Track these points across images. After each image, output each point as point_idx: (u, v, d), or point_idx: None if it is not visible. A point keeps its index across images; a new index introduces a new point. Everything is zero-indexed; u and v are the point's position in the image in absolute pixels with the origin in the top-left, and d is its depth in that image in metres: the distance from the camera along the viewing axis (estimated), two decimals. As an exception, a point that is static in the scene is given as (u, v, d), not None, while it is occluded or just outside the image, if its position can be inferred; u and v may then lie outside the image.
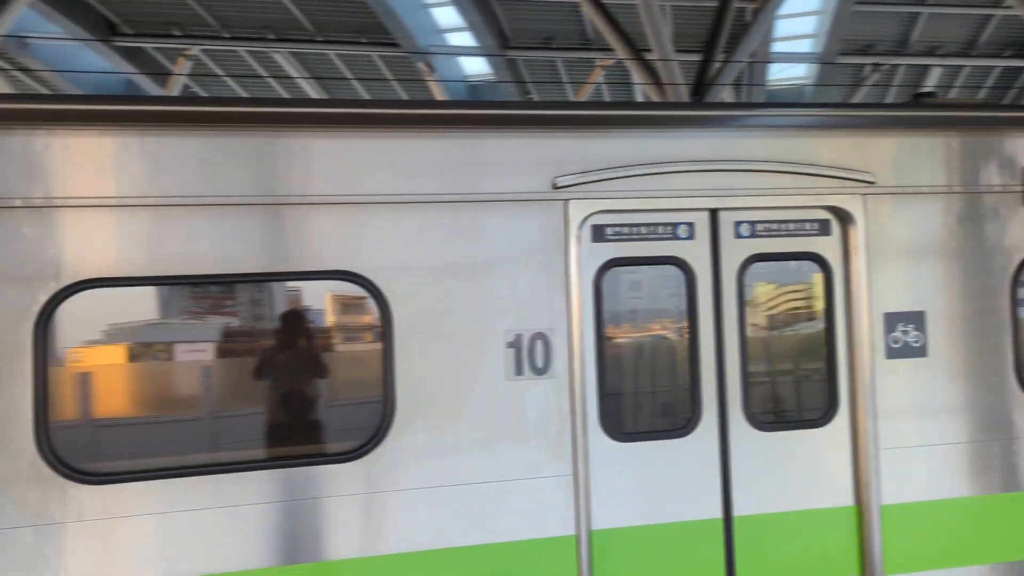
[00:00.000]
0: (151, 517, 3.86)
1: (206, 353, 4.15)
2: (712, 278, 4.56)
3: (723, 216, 4.59)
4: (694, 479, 4.46)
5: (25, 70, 17.43)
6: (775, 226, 4.65)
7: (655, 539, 4.39)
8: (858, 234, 4.61)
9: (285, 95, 20.14)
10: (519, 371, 4.28)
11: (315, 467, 4.02)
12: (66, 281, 3.81)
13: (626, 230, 4.50)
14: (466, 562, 4.15)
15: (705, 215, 4.57)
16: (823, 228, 4.68)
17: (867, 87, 19.65)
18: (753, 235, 4.64)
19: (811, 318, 4.79)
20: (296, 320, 4.23)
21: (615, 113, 4.61)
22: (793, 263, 4.78)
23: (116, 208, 3.91)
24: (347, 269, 4.10)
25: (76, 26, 16.07)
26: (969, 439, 4.66)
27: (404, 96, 19.83)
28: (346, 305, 4.27)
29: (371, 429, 4.10)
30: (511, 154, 4.31)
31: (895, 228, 4.67)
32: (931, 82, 19.94)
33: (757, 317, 4.75)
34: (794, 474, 4.56)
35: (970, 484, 4.65)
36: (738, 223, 4.62)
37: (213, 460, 4.01)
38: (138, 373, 4.18)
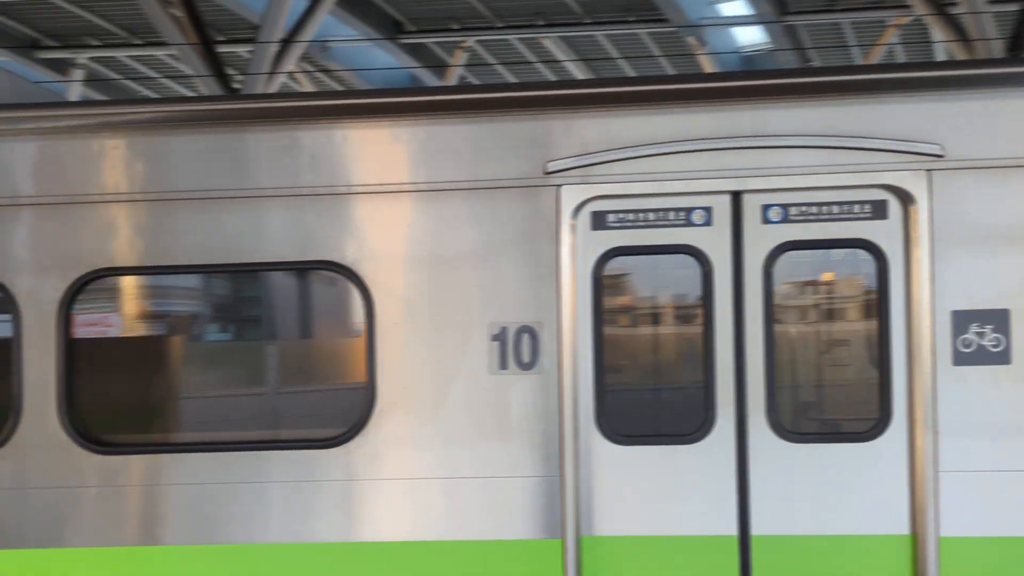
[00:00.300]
0: (182, 486, 4.07)
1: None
2: (733, 268, 3.97)
3: (748, 199, 3.98)
4: (706, 490, 3.94)
5: (326, 71, 19.28)
6: (815, 209, 3.95)
7: (657, 552, 3.95)
8: (920, 217, 3.80)
9: (553, 79, 20.47)
10: (503, 365, 4.00)
11: (303, 451, 4.07)
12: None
13: (631, 216, 4.04)
14: (440, 557, 3.98)
15: (726, 198, 3.98)
16: (877, 211, 3.90)
17: None
18: (786, 220, 3.97)
19: (861, 315, 4.10)
20: None
21: (607, 91, 4.25)
22: (839, 251, 4.07)
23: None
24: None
25: (368, 27, 17.44)
26: None
27: (671, 72, 19.34)
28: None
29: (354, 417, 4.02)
30: (497, 139, 4.05)
31: (970, 209, 3.82)
32: None
33: (789, 312, 4.14)
34: (832, 492, 3.87)
35: None
36: (767, 207, 3.97)
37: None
38: None
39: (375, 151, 4.17)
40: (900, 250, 3.85)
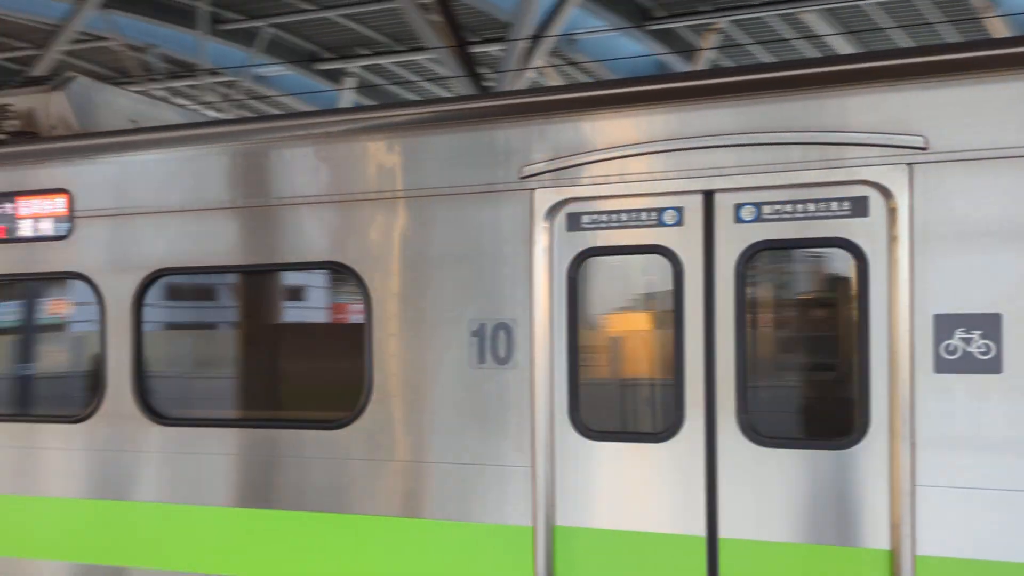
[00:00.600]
0: (219, 455, 4.72)
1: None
2: (704, 269, 3.94)
3: (720, 199, 3.92)
4: (673, 489, 3.97)
5: (572, 63, 19.33)
6: (789, 208, 3.82)
7: (626, 546, 4.03)
8: (900, 214, 3.60)
9: (817, 55, 18.96)
10: (482, 360, 4.23)
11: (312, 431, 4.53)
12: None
13: (604, 218, 4.11)
14: (422, 534, 4.28)
15: (698, 198, 3.95)
16: (857, 208, 3.72)
17: None
18: (759, 219, 3.88)
19: (840, 318, 3.99)
20: None
21: (579, 95, 4.36)
22: (817, 251, 3.99)
23: None
24: None
25: (616, 16, 17.20)
26: None
27: (952, 40, 17.12)
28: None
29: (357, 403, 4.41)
30: (478, 147, 4.26)
31: (957, 204, 3.55)
32: None
33: (763, 313, 4.09)
34: (805, 500, 3.79)
35: None
36: (739, 206, 3.89)
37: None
38: None
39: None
40: (881, 249, 3.65)
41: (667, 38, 18.78)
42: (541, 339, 4.14)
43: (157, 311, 5.14)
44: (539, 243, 4.16)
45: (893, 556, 3.62)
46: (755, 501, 3.86)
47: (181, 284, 5.26)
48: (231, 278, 5.13)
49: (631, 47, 18.85)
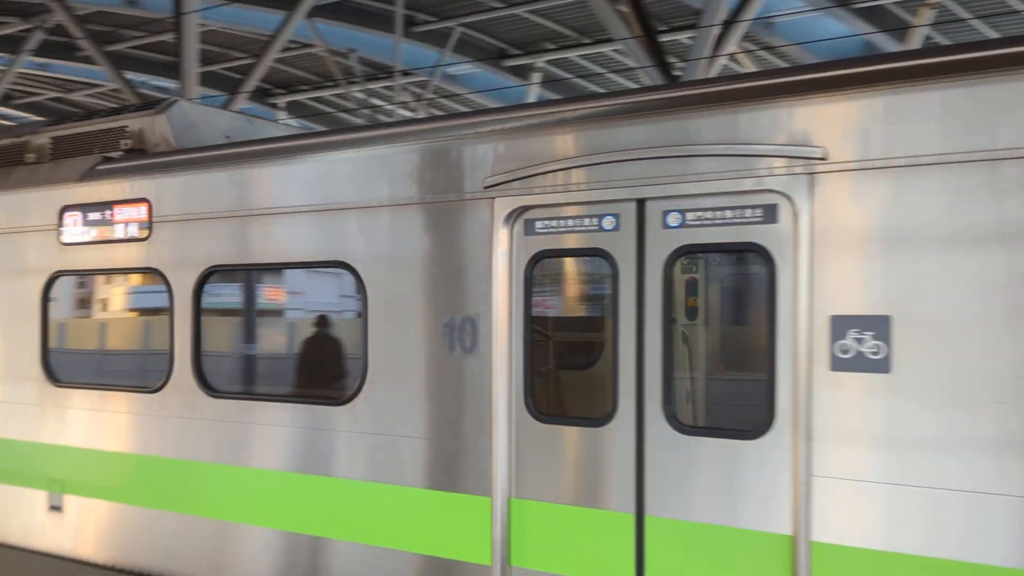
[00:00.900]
0: (269, 426, 5.53)
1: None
2: (636, 270, 4.31)
3: (650, 206, 4.27)
4: (608, 472, 4.37)
5: (769, 48, 18.31)
6: (709, 214, 4.10)
7: (569, 520, 4.45)
8: (802, 220, 3.82)
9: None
10: (452, 349, 4.75)
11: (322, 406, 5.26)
12: None
13: (554, 223, 4.53)
14: (401, 499, 4.93)
15: (632, 205, 4.31)
16: (768, 215, 3.94)
17: None
18: (683, 225, 4.19)
19: (753, 318, 4.33)
20: None
21: (532, 113, 4.77)
22: (738, 254, 4.37)
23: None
24: None
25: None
26: (934, 485, 3.51)
27: None
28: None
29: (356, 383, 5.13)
30: (451, 161, 4.78)
31: (852, 212, 3.71)
32: None
33: (686, 312, 4.52)
34: (719, 485, 4.07)
35: (923, 542, 3.54)
36: (666, 212, 4.23)
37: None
38: None
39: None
40: (787, 253, 3.87)
41: (875, 16, 17.35)
42: (501, 331, 4.64)
43: (210, 300, 6.03)
44: (499, 245, 4.65)
45: (793, 541, 3.87)
46: (677, 484, 4.20)
47: (229, 278, 6.18)
48: (265, 273, 6.02)
49: (834, 28, 17.60)
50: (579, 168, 4.42)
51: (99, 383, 6.57)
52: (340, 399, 5.23)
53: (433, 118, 5.60)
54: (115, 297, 6.98)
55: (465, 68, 21.35)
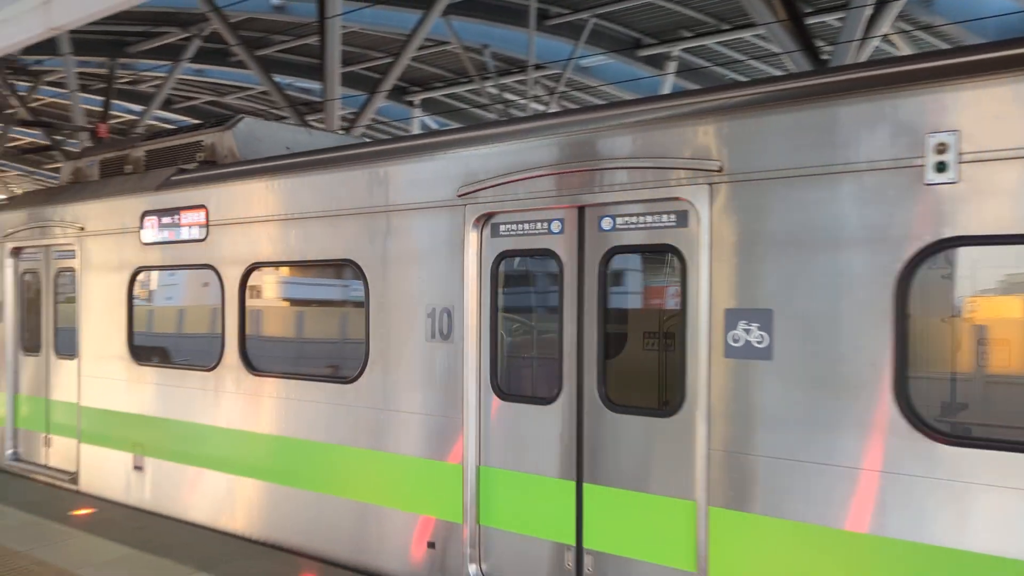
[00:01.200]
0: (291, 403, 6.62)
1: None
2: (577, 268, 4.94)
3: (589, 212, 4.89)
4: (555, 445, 5.06)
5: (927, 28, 17.01)
6: (634, 219, 4.72)
7: (528, 485, 5.19)
8: (702, 225, 4.39)
9: None
10: (432, 335, 5.63)
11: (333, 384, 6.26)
12: None
13: (514, 227, 5.27)
14: (389, 465, 5.88)
15: (575, 211, 4.95)
16: (681, 220, 4.55)
17: None
18: (614, 229, 4.80)
19: (670, 310, 4.91)
20: None
21: (490, 132, 5.52)
22: (661, 254, 4.81)
23: None
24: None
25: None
26: (809, 459, 4.04)
27: None
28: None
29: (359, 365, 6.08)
30: (435, 174, 5.61)
31: (742, 218, 4.26)
32: None
33: (617, 305, 5.05)
34: (642, 458, 4.68)
35: (801, 510, 4.05)
36: (601, 218, 4.84)
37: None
38: None
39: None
40: (695, 254, 4.45)
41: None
42: (471, 321, 5.43)
43: (251, 293, 7.00)
44: (470, 246, 5.43)
45: (697, 507, 4.44)
46: (609, 456, 4.87)
47: (267, 273, 7.03)
48: (292, 269, 6.85)
49: (1002, 4, 16.11)
50: (533, 179, 5.11)
51: (170, 362, 7.76)
52: (349, 378, 6.18)
53: (417, 135, 6.33)
54: (183, 289, 7.99)
55: (599, 60, 21.04)
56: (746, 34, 18.39)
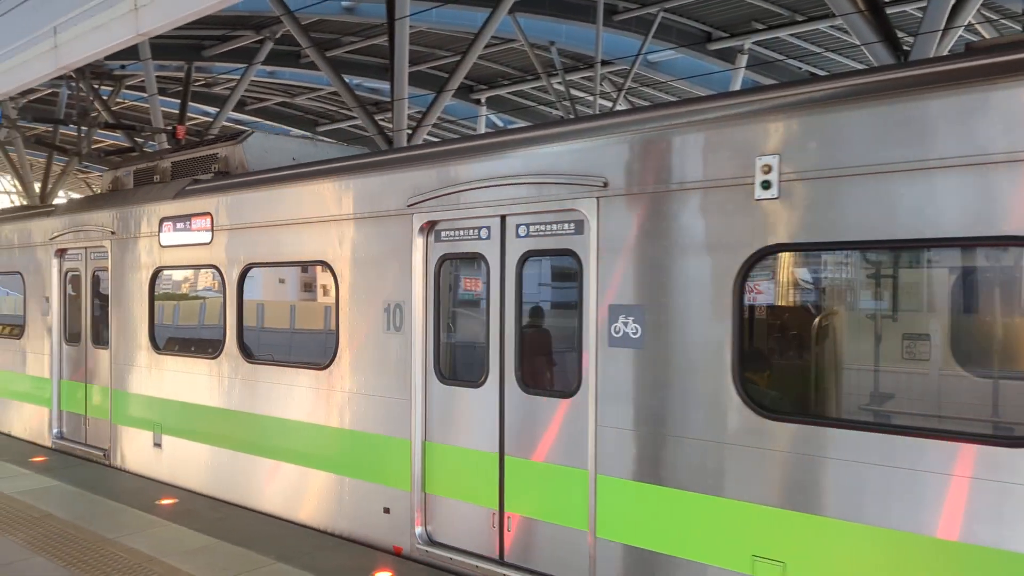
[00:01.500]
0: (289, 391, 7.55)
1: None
2: (500, 270, 5.78)
3: (509, 220, 5.71)
4: (484, 422, 5.87)
5: (1014, 16, 16.27)
6: (542, 227, 5.51)
7: (465, 459, 5.99)
8: (592, 233, 5.14)
9: None
10: (388, 327, 6.48)
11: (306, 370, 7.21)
12: None
13: (451, 233, 6.11)
14: (354, 440, 6.79)
15: (498, 220, 5.77)
16: (578, 228, 5.30)
17: None
18: (528, 235, 5.61)
19: (571, 306, 5.45)
20: None
21: (430, 151, 6.35)
22: (564, 257, 5.45)
23: None
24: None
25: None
26: (670, 433, 4.76)
27: None
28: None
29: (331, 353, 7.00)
30: (389, 187, 6.48)
31: (621, 227, 4.98)
32: None
33: (528, 302, 5.69)
34: (550, 433, 5.45)
35: (661, 475, 4.81)
36: (518, 225, 5.66)
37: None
38: None
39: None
40: (588, 258, 5.21)
41: None
42: (417, 314, 6.26)
43: (246, 290, 7.95)
44: (417, 250, 6.27)
45: (588, 475, 5.17)
46: (524, 432, 5.64)
47: (262, 272, 7.93)
48: (282, 270, 7.78)
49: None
50: (467, 191, 5.89)
51: (182, 351, 8.77)
52: (323, 365, 7.06)
53: (374, 152, 7.23)
54: (194, 286, 9.05)
55: (667, 55, 20.75)
56: (822, 25, 17.89)
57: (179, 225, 8.61)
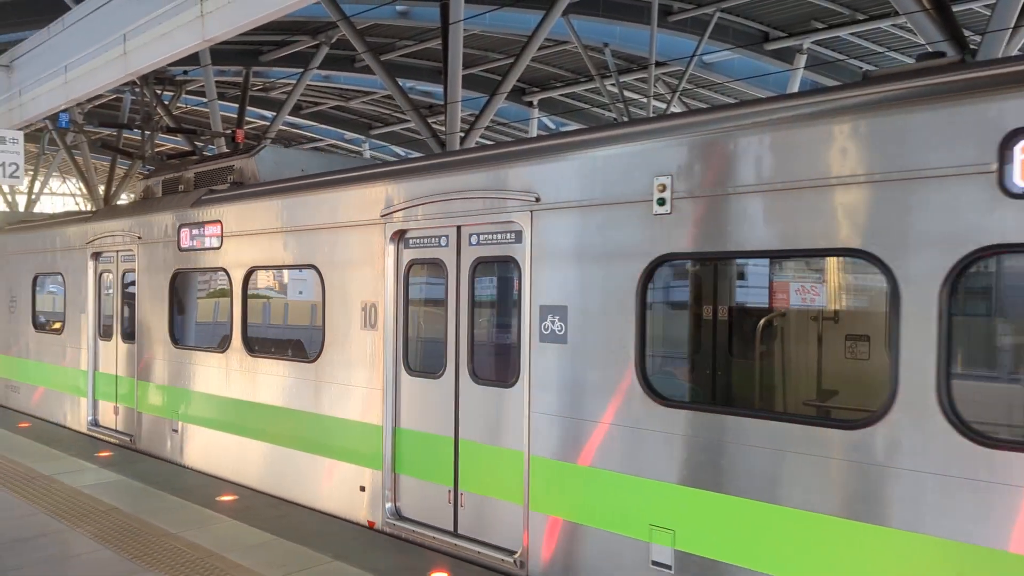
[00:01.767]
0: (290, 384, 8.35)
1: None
2: (456, 273, 6.50)
3: (463, 230, 6.47)
4: (442, 409, 6.64)
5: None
6: (489, 236, 6.25)
7: (427, 443, 6.77)
8: (527, 243, 5.89)
9: None
10: (364, 325, 7.24)
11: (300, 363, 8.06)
12: None
13: (417, 240, 6.88)
14: (336, 425, 7.61)
15: (455, 230, 6.54)
16: (517, 238, 6.06)
17: None
18: (479, 243, 6.34)
19: (514, 307, 6.13)
20: None
21: (398, 168, 7.20)
22: (507, 263, 6.17)
23: None
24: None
25: None
26: (585, 418, 5.49)
27: None
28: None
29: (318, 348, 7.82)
30: (367, 199, 7.25)
31: (550, 236, 5.73)
32: None
33: (480, 302, 6.44)
34: (494, 419, 6.22)
35: (576, 454, 5.53)
36: (471, 235, 6.40)
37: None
38: None
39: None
40: (525, 264, 5.92)
41: None
42: (389, 313, 7.00)
43: (252, 288, 8.86)
44: (389, 255, 7.03)
45: (524, 455, 5.89)
46: (475, 417, 6.36)
47: (264, 274, 8.86)
48: (275, 272, 8.77)
49: None
50: (429, 204, 6.62)
51: (196, 346, 9.70)
52: (311, 358, 7.86)
53: (353, 168, 7.99)
54: (207, 286, 10.06)
55: (723, 55, 20.49)
56: (884, 24, 17.47)
57: (194, 231, 9.51)
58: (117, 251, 11.25)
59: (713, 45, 19.50)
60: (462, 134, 15.49)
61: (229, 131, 15.89)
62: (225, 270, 9.00)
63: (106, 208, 12.20)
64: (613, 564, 5.36)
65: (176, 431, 9.95)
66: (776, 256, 4.73)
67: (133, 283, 10.83)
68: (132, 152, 16.12)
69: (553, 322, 5.68)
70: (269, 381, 8.40)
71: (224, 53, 21.64)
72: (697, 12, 18.68)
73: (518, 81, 21.28)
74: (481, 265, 6.37)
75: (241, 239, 8.74)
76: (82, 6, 9.90)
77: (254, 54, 22.75)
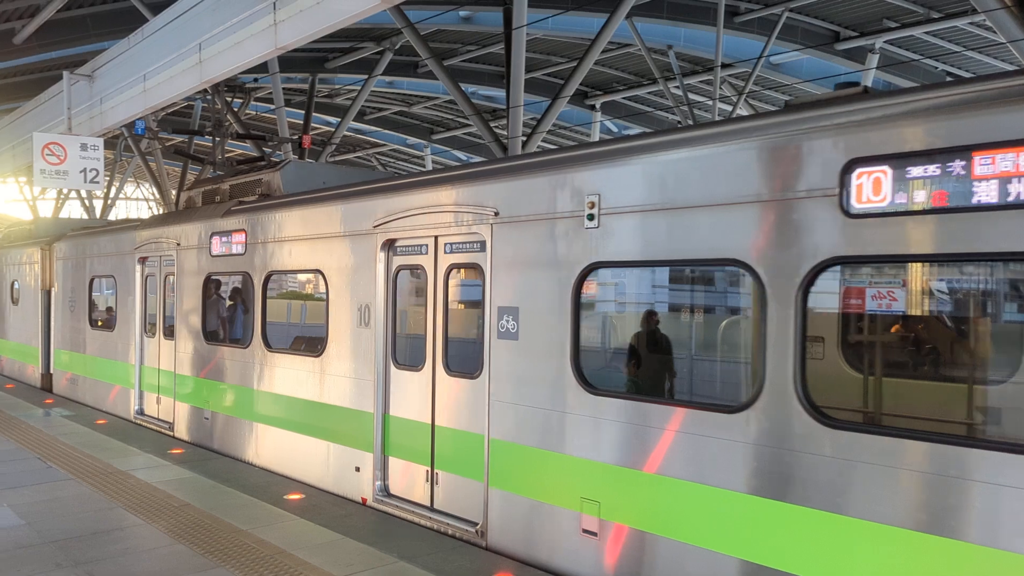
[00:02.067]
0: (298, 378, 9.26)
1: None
2: (434, 278, 7.30)
3: (440, 239, 7.25)
4: (422, 398, 7.41)
5: None
6: (460, 245, 7.05)
7: (410, 428, 7.56)
8: (488, 251, 6.65)
9: None
10: (359, 323, 7.98)
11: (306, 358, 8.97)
12: None
13: (403, 248, 7.66)
14: (335, 413, 8.39)
15: (433, 239, 7.31)
16: (482, 247, 6.80)
17: None
18: (452, 251, 7.14)
19: (479, 307, 6.78)
20: None
21: (387, 183, 8.08)
22: (474, 269, 6.92)
23: None
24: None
25: None
26: (532, 405, 6.25)
27: None
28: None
29: (322, 345, 8.62)
30: (363, 211, 8.05)
31: (507, 246, 6.49)
32: None
33: (453, 303, 7.28)
34: (462, 406, 7.01)
35: (535, 439, 6.25)
36: (446, 244, 7.19)
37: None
38: None
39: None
40: (488, 270, 6.66)
41: None
42: (380, 313, 7.76)
43: (271, 291, 9.79)
44: (380, 261, 7.77)
45: (485, 438, 6.66)
46: (448, 406, 7.16)
47: (282, 278, 9.87)
48: (289, 276, 9.80)
49: None
50: (413, 216, 7.40)
51: (224, 342, 10.68)
52: (318, 353, 8.65)
53: (351, 184, 8.76)
54: (235, 289, 10.98)
55: (792, 56, 20.07)
56: (961, 22, 16.89)
57: (223, 239, 10.52)
58: (160, 256, 12.38)
59: (781, 46, 19.11)
60: (524, 138, 15.49)
61: (296, 137, 16.18)
62: (248, 274, 9.94)
63: (152, 217, 13.34)
64: (553, 532, 6.12)
65: (207, 419, 10.93)
66: (674, 265, 5.55)
67: (173, 286, 11.98)
68: (203, 158, 16.58)
69: (508, 321, 6.45)
70: (283, 373, 9.32)
71: (291, 61, 22.10)
72: (765, 12, 18.34)
73: (581, 84, 21.20)
74: (454, 270, 7.21)
75: (261, 246, 9.71)
76: (160, 17, 10.21)
77: (320, 61, 23.18)
